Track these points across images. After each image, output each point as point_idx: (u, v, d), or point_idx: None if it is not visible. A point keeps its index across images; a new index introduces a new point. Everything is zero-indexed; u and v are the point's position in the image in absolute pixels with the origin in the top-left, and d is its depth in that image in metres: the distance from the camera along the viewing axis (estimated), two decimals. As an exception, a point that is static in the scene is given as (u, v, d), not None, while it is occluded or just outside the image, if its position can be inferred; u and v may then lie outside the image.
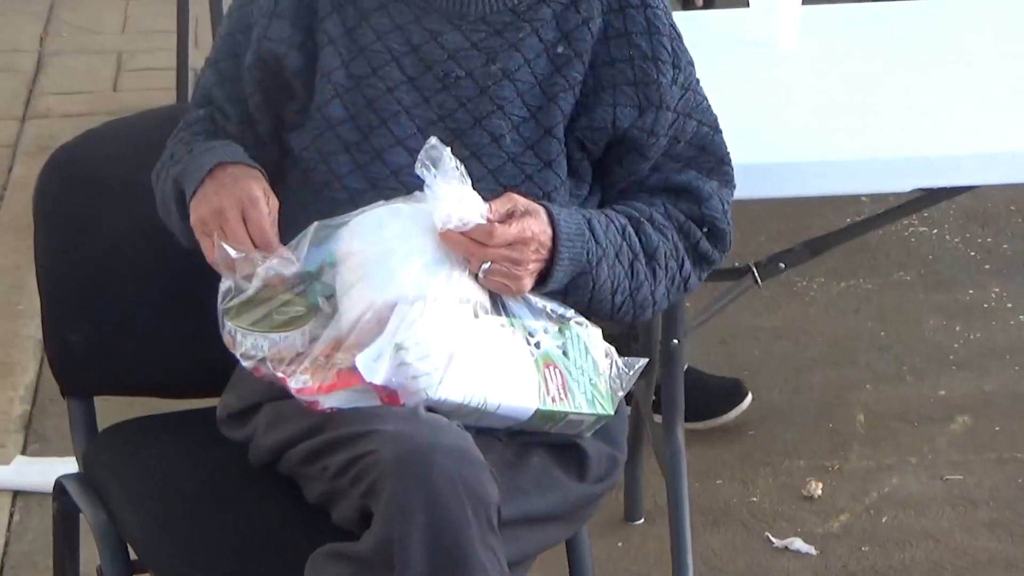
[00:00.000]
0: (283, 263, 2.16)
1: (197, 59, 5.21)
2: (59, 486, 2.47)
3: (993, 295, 4.22)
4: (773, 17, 3.09)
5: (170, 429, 2.52)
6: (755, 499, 3.49)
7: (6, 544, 3.35)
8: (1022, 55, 3.12)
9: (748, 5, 3.18)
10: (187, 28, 5.21)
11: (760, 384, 3.87)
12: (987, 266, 4.32)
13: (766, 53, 3.08)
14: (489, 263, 2.16)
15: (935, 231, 4.44)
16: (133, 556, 2.31)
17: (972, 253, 4.42)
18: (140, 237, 2.49)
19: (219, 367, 2.31)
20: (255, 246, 2.15)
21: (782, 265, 3.06)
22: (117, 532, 2.31)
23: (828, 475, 3.57)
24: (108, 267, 2.51)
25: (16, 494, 3.48)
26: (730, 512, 3.43)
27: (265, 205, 2.18)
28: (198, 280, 2.31)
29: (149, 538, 2.29)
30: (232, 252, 2.12)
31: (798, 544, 3.35)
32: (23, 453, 3.64)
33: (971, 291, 4.24)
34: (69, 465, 2.55)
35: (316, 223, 2.19)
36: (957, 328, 4.12)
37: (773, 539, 3.36)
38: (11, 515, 3.43)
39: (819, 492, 3.51)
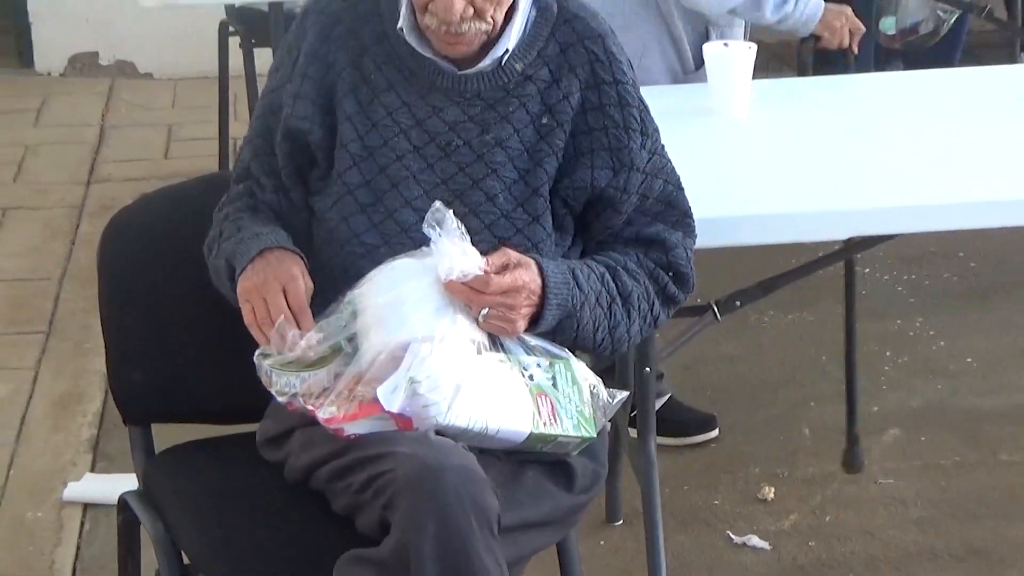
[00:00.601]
0: (322, 341, 2.19)
1: (236, 130, 5.24)
2: (122, 501, 2.46)
3: (918, 324, 4.23)
4: (727, 91, 3.10)
5: (216, 451, 2.52)
6: (717, 502, 3.49)
7: (78, 549, 3.34)
8: (934, 123, 3.12)
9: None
10: (227, 104, 5.23)
11: (721, 403, 3.89)
12: (912, 300, 4.34)
13: (722, 122, 3.09)
14: (487, 309, 2.16)
15: (867, 270, 4.45)
16: (186, 560, 2.29)
17: (899, 289, 4.45)
18: (189, 288, 2.48)
19: (257, 398, 2.28)
20: (292, 313, 2.17)
21: (738, 303, 3.06)
22: (172, 540, 2.31)
23: (779, 481, 3.56)
24: (162, 313, 2.51)
25: (86, 506, 3.47)
26: (696, 514, 3.42)
27: (302, 283, 2.20)
28: (238, 324, 2.29)
29: (200, 544, 2.29)
30: (290, 336, 2.15)
31: (754, 540, 3.34)
32: (91, 471, 3.63)
33: (899, 321, 4.26)
34: (131, 481, 2.53)
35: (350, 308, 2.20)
36: (887, 353, 4.14)
37: (733, 536, 3.35)
38: (82, 524, 3.42)
39: (772, 496, 3.51)
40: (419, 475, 2.02)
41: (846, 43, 3.54)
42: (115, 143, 5.87)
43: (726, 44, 3.11)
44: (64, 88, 6.49)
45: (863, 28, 3.57)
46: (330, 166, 2.31)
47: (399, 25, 2.28)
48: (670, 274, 2.37)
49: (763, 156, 2.95)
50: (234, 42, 5.14)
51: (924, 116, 3.16)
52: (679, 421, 3.75)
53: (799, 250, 3.27)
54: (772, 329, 4.24)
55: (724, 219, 2.59)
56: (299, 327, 2.15)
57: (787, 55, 4.03)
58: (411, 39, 2.28)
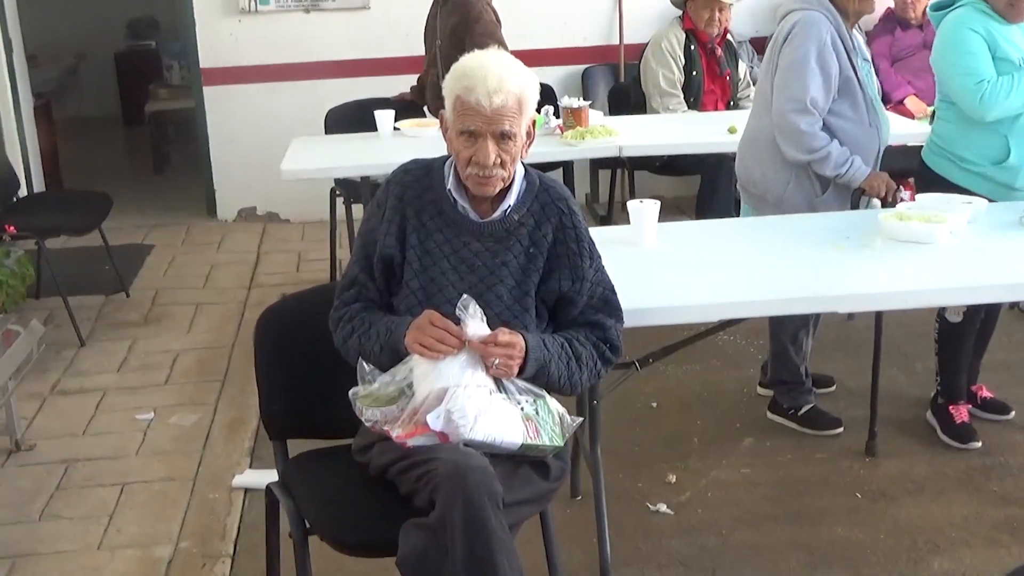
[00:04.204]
0: (389, 384, 2.21)
1: (340, 255, 5.25)
2: (268, 488, 2.45)
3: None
4: (643, 229, 3.09)
5: (326, 456, 2.51)
6: (640, 484, 3.43)
7: (241, 516, 3.31)
8: (769, 251, 3.08)
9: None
10: (335, 239, 5.23)
11: (641, 424, 3.83)
12: (759, 356, 4.26)
13: (640, 249, 3.07)
14: (496, 360, 2.17)
15: (731, 338, 4.42)
16: (308, 525, 2.28)
17: (752, 351, 4.40)
18: (310, 354, 2.48)
19: (351, 423, 2.29)
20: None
21: (651, 360, 3.05)
22: (299, 512, 2.30)
23: (679, 470, 3.51)
24: (293, 370, 2.49)
25: (246, 490, 3.44)
26: (626, 492, 3.37)
27: (436, 315, 2.19)
28: (340, 376, 2.32)
29: (316, 515, 2.28)
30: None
31: (663, 508, 3.29)
32: (250, 468, 3.60)
33: (751, 370, 4.19)
34: (273, 475, 2.50)
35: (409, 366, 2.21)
36: (744, 390, 4.08)
37: (650, 506, 3.30)
38: (244, 501, 3.39)
39: (674, 479, 3.45)
40: (454, 471, 2.02)
41: (882, 195, 3.45)
42: (266, 263, 5.86)
43: (642, 201, 3.09)
44: (235, 229, 6.49)
45: (895, 186, 3.47)
46: (402, 276, 2.32)
47: (448, 187, 2.30)
48: (607, 345, 2.38)
49: (664, 270, 2.92)
50: (339, 200, 5.17)
51: (763, 246, 3.12)
52: (820, 422, 3.69)
53: (687, 327, 3.24)
54: (672, 375, 4.18)
55: (641, 309, 2.57)
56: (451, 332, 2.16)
57: (683, 206, 3.98)
58: (456, 195, 2.31)
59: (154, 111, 8.14)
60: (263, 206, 6.57)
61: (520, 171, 2.34)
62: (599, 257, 2.38)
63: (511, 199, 2.32)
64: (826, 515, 3.24)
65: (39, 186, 6.40)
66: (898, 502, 3.30)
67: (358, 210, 4.88)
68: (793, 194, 3.50)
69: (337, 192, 5.15)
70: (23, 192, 5.62)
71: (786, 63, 3.41)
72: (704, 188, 5.21)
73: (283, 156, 4.62)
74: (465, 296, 2.19)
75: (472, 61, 2.25)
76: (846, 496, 3.35)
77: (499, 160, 2.23)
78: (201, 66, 6.32)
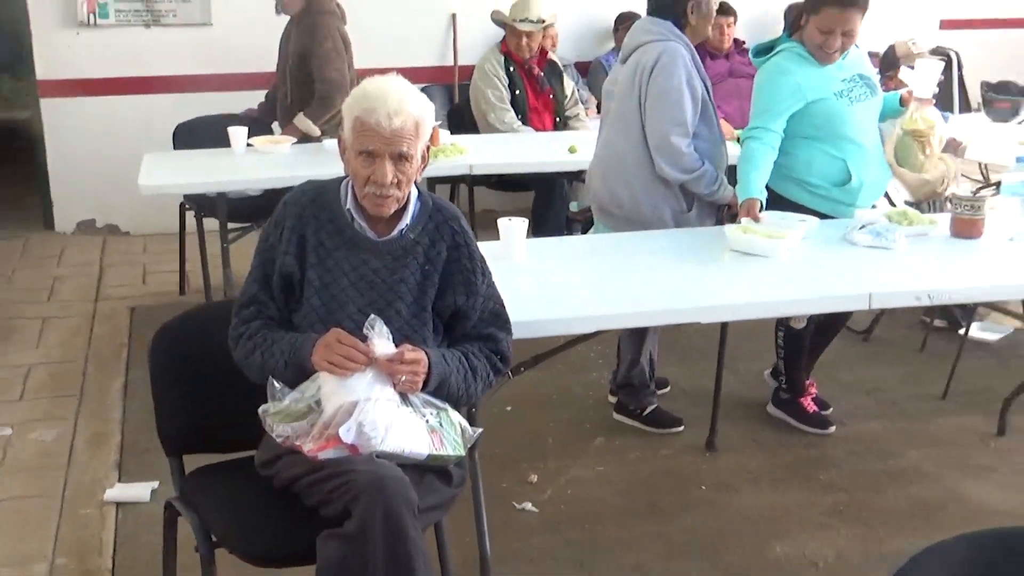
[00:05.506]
0: (299, 400, 2.20)
1: (189, 267, 5.11)
2: (167, 504, 2.39)
3: (606, 375, 4.18)
4: (512, 245, 3.15)
5: (227, 470, 2.47)
6: (505, 484, 3.49)
7: (116, 531, 3.19)
8: (620, 265, 3.18)
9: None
10: (184, 252, 5.09)
11: (499, 427, 3.87)
12: (600, 361, 4.36)
13: (509, 264, 3.11)
14: (403, 376, 2.19)
15: (598, 348, 4.49)
16: (214, 539, 2.23)
17: (592, 355, 4.48)
18: (207, 371, 2.44)
19: (250, 437, 2.28)
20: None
21: (523, 368, 3.08)
22: (205, 526, 2.25)
23: (539, 471, 3.59)
24: (192, 387, 2.44)
25: (118, 505, 3.31)
26: (492, 492, 3.34)
27: (343, 333, 2.20)
28: (237, 393, 2.31)
29: (223, 527, 2.25)
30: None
31: (528, 506, 3.37)
32: (119, 482, 3.46)
33: (594, 374, 4.31)
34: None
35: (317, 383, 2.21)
36: (590, 393, 4.18)
37: (516, 505, 3.37)
38: (117, 515, 3.26)
39: (535, 479, 3.53)
40: (371, 482, 2.04)
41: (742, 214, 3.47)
42: (111, 276, 5.63)
43: (510, 219, 3.14)
44: (75, 242, 6.20)
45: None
46: (302, 294, 2.32)
47: (347, 206, 2.30)
48: (498, 356, 2.43)
49: (534, 285, 2.97)
50: (189, 213, 5.02)
51: (625, 262, 3.20)
52: (663, 421, 3.84)
53: (559, 338, 3.29)
54: (522, 382, 3.94)
55: (521, 322, 2.55)
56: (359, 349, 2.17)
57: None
58: (355, 214, 2.32)
59: (-21, 121, 7.70)
60: (103, 219, 6.31)
61: (414, 192, 2.37)
62: (490, 273, 2.44)
63: (407, 219, 2.34)
64: (677, 507, 3.39)
65: None
66: (739, 492, 3.48)
67: (210, 223, 4.77)
68: (662, 213, 3.62)
69: (187, 206, 5.01)
70: None
71: (661, 90, 3.51)
72: (538, 203, 5.34)
73: (126, 170, 4.51)
74: (373, 316, 2.21)
75: (372, 85, 2.28)
76: (693, 489, 3.51)
77: (396, 180, 2.26)
78: (38, 78, 6.02)
